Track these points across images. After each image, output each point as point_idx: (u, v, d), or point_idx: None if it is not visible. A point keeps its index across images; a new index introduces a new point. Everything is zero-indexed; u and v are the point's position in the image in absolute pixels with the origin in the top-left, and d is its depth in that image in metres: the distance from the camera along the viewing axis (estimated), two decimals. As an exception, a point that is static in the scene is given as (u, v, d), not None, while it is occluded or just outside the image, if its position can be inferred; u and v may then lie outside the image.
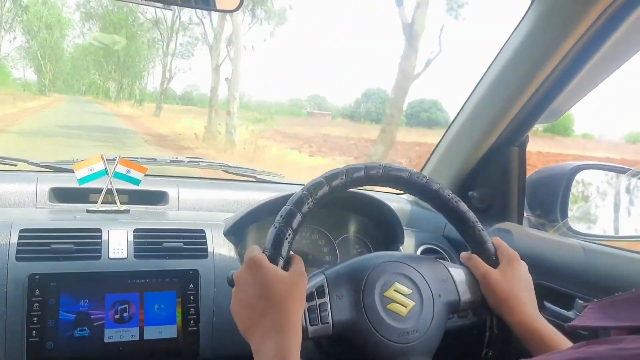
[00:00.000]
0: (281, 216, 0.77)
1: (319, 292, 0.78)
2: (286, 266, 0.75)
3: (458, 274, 0.87)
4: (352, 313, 0.78)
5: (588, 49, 1.09)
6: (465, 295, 0.86)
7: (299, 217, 0.77)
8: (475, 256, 0.88)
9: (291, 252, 0.77)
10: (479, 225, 0.89)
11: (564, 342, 0.77)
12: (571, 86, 1.16)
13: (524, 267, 0.88)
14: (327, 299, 0.78)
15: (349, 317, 0.78)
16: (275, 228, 0.76)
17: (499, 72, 1.21)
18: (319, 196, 0.78)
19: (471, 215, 0.89)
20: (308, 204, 0.78)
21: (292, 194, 0.80)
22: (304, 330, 0.74)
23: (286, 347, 0.67)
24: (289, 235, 0.76)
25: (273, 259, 0.74)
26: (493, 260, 0.88)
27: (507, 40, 1.20)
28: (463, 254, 0.91)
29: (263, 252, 0.75)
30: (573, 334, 0.77)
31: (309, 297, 0.77)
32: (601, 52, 1.09)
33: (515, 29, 1.17)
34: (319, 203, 0.79)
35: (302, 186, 0.80)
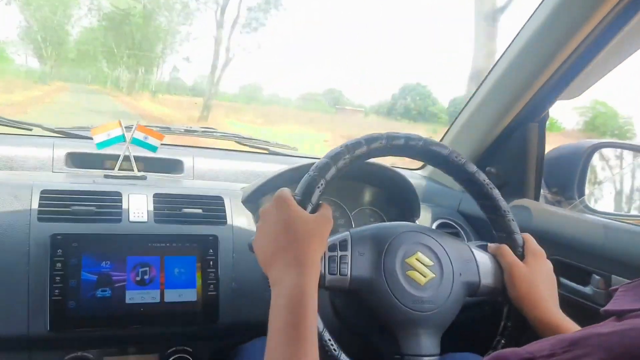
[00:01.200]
0: (316, 166, 0.77)
1: (342, 245, 0.78)
2: (313, 212, 0.75)
3: (482, 257, 0.86)
4: (371, 271, 0.78)
5: (613, 26, 1.08)
6: (486, 279, 0.85)
7: (333, 170, 0.76)
8: (504, 246, 0.87)
9: (320, 201, 0.77)
10: (510, 215, 0.87)
11: None
12: (594, 63, 1.15)
13: (549, 265, 0.88)
14: (348, 252, 0.78)
15: (368, 275, 0.78)
16: (309, 176, 0.76)
17: (523, 46, 1.20)
18: (356, 155, 0.78)
19: (504, 203, 0.87)
20: (345, 159, 0.77)
21: (311, 164, 0.80)
22: (322, 277, 0.74)
23: (305, 281, 0.67)
24: (321, 184, 0.75)
25: (302, 204, 0.74)
26: (519, 251, 0.87)
27: (532, 16, 1.18)
28: (491, 245, 0.90)
29: (293, 196, 0.75)
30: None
31: (332, 248, 0.77)
32: (626, 30, 1.08)
33: (540, 4, 1.16)
34: (354, 161, 0.78)
35: (316, 158, 0.80)
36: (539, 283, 0.84)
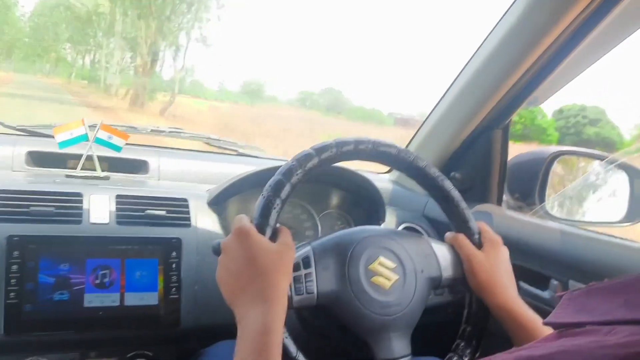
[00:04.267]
0: (270, 186, 0.76)
1: (305, 262, 0.78)
2: (274, 236, 0.75)
3: (441, 250, 0.88)
4: (336, 284, 0.78)
5: (576, 36, 1.10)
6: (446, 271, 0.87)
7: (287, 187, 0.76)
8: (461, 236, 0.89)
9: (279, 225, 0.77)
10: (463, 204, 0.90)
11: (543, 326, 0.78)
12: (557, 72, 1.18)
13: (506, 252, 0.90)
14: (312, 269, 0.78)
15: (334, 288, 0.78)
16: (264, 197, 0.76)
17: (487, 55, 1.22)
18: (308, 167, 0.78)
19: (456, 193, 0.90)
20: (297, 174, 0.77)
21: (277, 166, 0.80)
22: (289, 299, 0.74)
23: (271, 317, 0.67)
24: (277, 205, 0.75)
25: (261, 229, 0.74)
26: (476, 238, 0.89)
27: (496, 24, 1.20)
28: (448, 234, 0.92)
29: (251, 221, 0.75)
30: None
31: (295, 267, 0.77)
32: (588, 40, 1.11)
33: (505, 13, 1.18)
34: (307, 174, 0.78)
35: (284, 161, 0.80)
36: (497, 270, 0.86)
